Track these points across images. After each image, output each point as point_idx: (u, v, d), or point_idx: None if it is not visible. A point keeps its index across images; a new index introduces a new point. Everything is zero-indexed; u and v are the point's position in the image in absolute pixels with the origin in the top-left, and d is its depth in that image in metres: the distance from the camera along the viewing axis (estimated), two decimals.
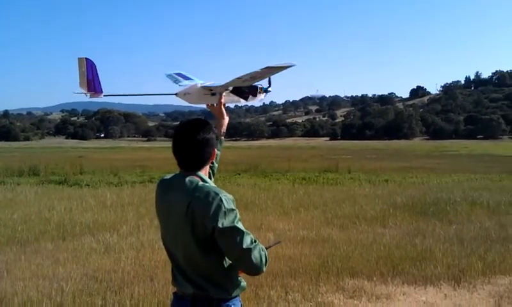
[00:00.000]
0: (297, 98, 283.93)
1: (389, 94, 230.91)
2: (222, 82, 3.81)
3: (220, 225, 2.57)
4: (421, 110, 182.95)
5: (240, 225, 2.62)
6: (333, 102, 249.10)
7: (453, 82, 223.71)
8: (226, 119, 3.59)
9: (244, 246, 2.60)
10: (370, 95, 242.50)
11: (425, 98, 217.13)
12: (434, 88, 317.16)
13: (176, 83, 4.38)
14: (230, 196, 2.67)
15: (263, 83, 4.34)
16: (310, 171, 25.70)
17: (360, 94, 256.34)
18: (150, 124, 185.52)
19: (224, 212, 2.58)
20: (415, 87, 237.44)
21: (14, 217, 11.54)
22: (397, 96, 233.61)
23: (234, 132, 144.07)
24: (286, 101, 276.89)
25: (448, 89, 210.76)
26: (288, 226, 10.93)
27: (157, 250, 8.44)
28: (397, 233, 10.04)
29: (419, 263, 7.79)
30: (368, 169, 26.75)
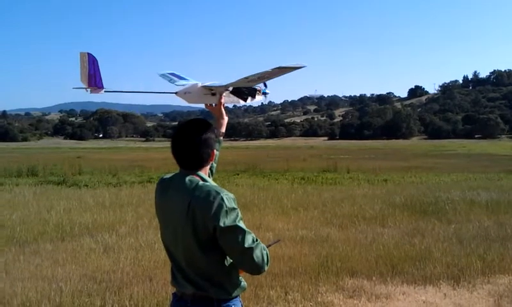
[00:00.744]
0: (296, 98, 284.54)
1: (387, 94, 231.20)
2: (224, 82, 3.80)
3: (222, 224, 2.56)
4: (419, 109, 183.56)
5: (241, 224, 2.61)
6: (331, 102, 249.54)
7: (451, 82, 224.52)
8: (226, 120, 3.60)
9: (246, 245, 2.59)
10: (368, 95, 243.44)
11: (424, 98, 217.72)
12: (432, 88, 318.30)
13: (172, 83, 4.37)
14: (231, 195, 2.66)
15: (261, 85, 4.36)
16: (308, 171, 25.67)
17: (358, 94, 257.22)
18: (149, 124, 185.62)
19: (226, 211, 2.56)
20: (413, 87, 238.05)
21: (13, 218, 11.52)
22: (395, 96, 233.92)
23: (233, 132, 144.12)
24: (284, 101, 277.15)
25: (447, 89, 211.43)
26: (287, 225, 10.92)
27: (156, 250, 8.43)
28: (396, 233, 10.04)
29: (418, 263, 7.78)
30: (366, 169, 26.73)
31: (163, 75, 4.60)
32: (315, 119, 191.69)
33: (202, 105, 3.91)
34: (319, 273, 7.34)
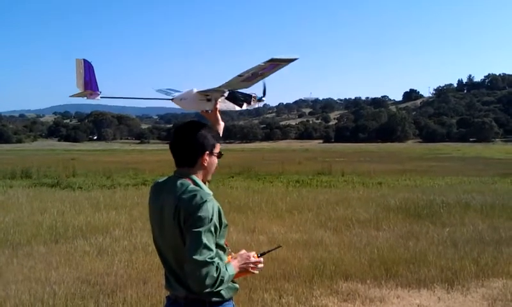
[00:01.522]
0: (291, 101, 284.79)
1: (382, 97, 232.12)
2: (220, 84, 3.80)
3: (189, 225, 2.57)
4: (414, 113, 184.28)
5: (205, 236, 2.55)
6: (326, 105, 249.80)
7: (446, 85, 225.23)
8: (222, 125, 3.62)
9: (194, 256, 2.51)
10: (363, 98, 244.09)
11: (418, 101, 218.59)
12: (427, 91, 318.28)
13: (168, 95, 4.39)
14: (217, 206, 2.66)
15: (257, 92, 4.41)
16: (303, 174, 25.67)
17: (353, 97, 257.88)
18: (143, 126, 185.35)
19: (200, 217, 2.56)
20: (408, 90, 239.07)
21: (6, 220, 11.47)
22: (390, 99, 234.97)
23: (228, 134, 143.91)
24: (279, 103, 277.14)
25: (441, 92, 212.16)
26: (281, 229, 10.91)
27: (150, 253, 8.40)
28: (390, 236, 10.05)
29: (413, 266, 7.80)
30: (361, 172, 26.75)
31: (160, 91, 4.63)
32: (310, 122, 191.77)
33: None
34: (313, 276, 7.34)
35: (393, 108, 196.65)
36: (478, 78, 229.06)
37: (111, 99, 4.29)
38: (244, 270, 2.83)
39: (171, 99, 4.07)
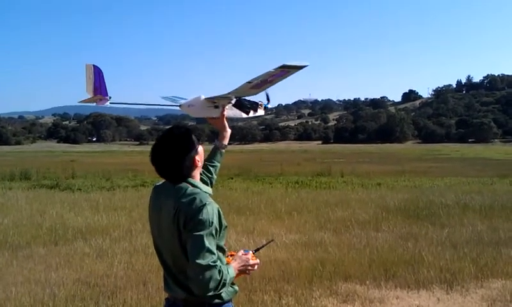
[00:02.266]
0: (290, 102, 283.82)
1: (381, 98, 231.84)
2: (227, 90, 3.82)
3: (189, 229, 2.59)
4: (413, 114, 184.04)
5: (207, 239, 2.57)
6: (325, 106, 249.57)
7: (445, 86, 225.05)
8: (229, 132, 3.60)
9: (197, 260, 2.53)
10: (362, 99, 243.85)
11: (417, 102, 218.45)
12: (426, 92, 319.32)
13: (175, 102, 4.42)
14: (216, 208, 2.67)
15: (263, 99, 4.49)
16: (302, 175, 25.68)
17: (352, 98, 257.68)
18: (142, 128, 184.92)
19: (200, 220, 2.58)
20: (407, 91, 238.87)
21: (5, 222, 11.47)
22: (389, 100, 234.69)
23: None
24: (278, 104, 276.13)
25: (440, 93, 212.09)
26: (281, 230, 10.92)
27: (149, 255, 8.41)
28: (389, 237, 10.06)
29: (412, 267, 7.81)
30: (360, 173, 26.76)
31: (166, 98, 4.66)
32: (310, 123, 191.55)
33: None
34: (313, 277, 7.35)
35: (392, 109, 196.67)
36: (477, 79, 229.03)
37: (119, 105, 4.32)
38: (242, 272, 2.85)
39: (179, 106, 4.10)
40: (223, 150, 3.49)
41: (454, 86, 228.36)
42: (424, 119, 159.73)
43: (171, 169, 2.77)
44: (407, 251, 8.78)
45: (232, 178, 23.54)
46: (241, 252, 2.92)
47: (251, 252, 2.94)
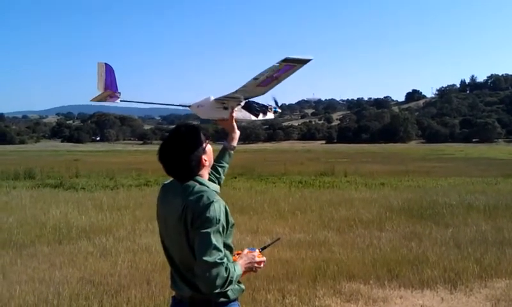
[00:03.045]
0: (294, 102, 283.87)
1: (385, 97, 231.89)
2: (234, 89, 3.83)
3: (197, 227, 2.59)
4: (417, 113, 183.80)
5: (214, 237, 2.58)
6: (329, 106, 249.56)
7: (448, 86, 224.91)
8: (237, 134, 3.60)
9: (204, 257, 2.54)
10: (366, 99, 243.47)
11: (421, 102, 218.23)
12: (429, 92, 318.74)
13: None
14: (223, 206, 2.68)
15: (272, 103, 4.49)
16: (306, 175, 25.67)
17: (355, 98, 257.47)
18: (146, 127, 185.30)
19: (207, 217, 2.58)
20: (411, 91, 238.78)
21: (10, 221, 11.51)
22: (392, 100, 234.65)
23: None
24: (282, 104, 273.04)
25: (444, 93, 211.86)
26: (284, 229, 10.93)
27: (153, 253, 8.44)
28: (393, 237, 10.05)
29: (416, 267, 7.80)
30: (364, 173, 26.72)
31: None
32: (313, 122, 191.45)
33: None
34: (316, 277, 7.35)
35: (395, 108, 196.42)
36: (481, 78, 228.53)
37: (129, 103, 4.34)
38: (248, 270, 2.86)
39: (189, 106, 4.11)
40: (232, 151, 3.50)
41: (458, 85, 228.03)
42: (427, 119, 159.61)
43: (178, 167, 2.77)
44: (411, 251, 8.77)
45: (236, 178, 23.57)
46: (247, 250, 2.93)
47: (257, 250, 2.95)
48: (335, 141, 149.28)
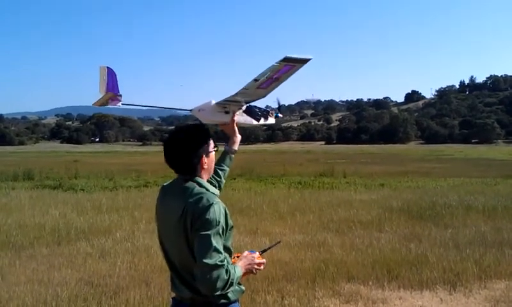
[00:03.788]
0: (293, 102, 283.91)
1: (384, 98, 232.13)
2: (235, 91, 3.82)
3: (196, 229, 2.58)
4: (416, 114, 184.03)
5: (214, 239, 2.57)
6: (328, 106, 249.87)
7: (448, 87, 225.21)
8: (239, 138, 3.64)
9: (205, 259, 2.53)
10: (365, 99, 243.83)
11: (420, 103, 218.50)
12: (429, 93, 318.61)
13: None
14: (223, 208, 2.67)
15: (274, 108, 4.53)
16: (305, 176, 25.67)
17: (355, 99, 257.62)
18: (145, 128, 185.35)
19: (207, 219, 2.57)
20: (410, 92, 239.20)
21: (8, 222, 11.49)
22: (392, 101, 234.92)
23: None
24: (282, 105, 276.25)
25: (443, 94, 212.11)
26: (283, 230, 10.91)
27: (152, 255, 8.43)
28: (392, 237, 10.04)
29: (415, 268, 7.79)
30: (363, 174, 26.73)
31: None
32: (312, 123, 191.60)
33: None
34: (316, 278, 7.33)
35: (395, 109, 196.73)
36: (480, 79, 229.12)
37: (130, 106, 4.35)
38: (248, 271, 2.85)
39: (190, 110, 4.11)
40: (233, 155, 3.52)
41: (457, 86, 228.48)
42: (427, 120, 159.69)
43: (180, 158, 2.78)
44: (410, 252, 8.76)
45: (235, 179, 23.52)
46: (247, 252, 2.92)
47: (257, 252, 2.94)
48: (334, 141, 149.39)
